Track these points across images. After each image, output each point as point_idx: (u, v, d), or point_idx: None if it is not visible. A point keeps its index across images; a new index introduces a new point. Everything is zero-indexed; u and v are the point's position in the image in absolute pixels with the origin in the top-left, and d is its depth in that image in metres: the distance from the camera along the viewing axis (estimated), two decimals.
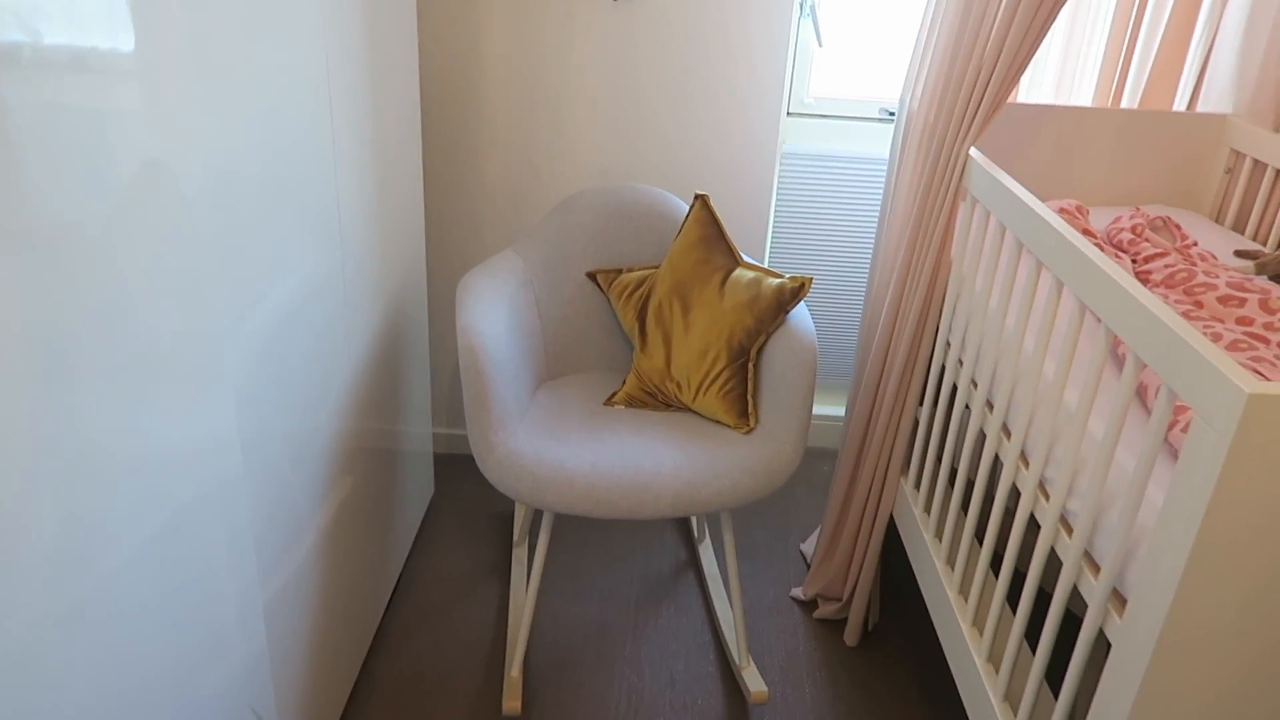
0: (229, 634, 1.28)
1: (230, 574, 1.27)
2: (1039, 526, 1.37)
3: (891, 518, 2.07)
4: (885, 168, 2.56)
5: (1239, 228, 2.17)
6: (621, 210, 2.16)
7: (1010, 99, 2.23)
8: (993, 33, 1.64)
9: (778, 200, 2.61)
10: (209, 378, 1.16)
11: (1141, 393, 1.36)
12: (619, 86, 2.35)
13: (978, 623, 1.60)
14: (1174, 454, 1.24)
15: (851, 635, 2.16)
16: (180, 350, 1.08)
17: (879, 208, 2.63)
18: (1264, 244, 2.08)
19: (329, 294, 1.60)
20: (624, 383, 2.09)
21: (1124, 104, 2.21)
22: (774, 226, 2.65)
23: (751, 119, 2.38)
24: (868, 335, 2.09)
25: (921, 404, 1.94)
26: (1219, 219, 2.23)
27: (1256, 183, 2.12)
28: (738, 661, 2.03)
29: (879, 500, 2.04)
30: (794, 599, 2.30)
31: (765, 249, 2.58)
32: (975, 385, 1.66)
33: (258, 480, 1.35)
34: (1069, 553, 1.27)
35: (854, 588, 2.15)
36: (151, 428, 1.04)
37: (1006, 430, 1.53)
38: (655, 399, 2.05)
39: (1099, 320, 1.21)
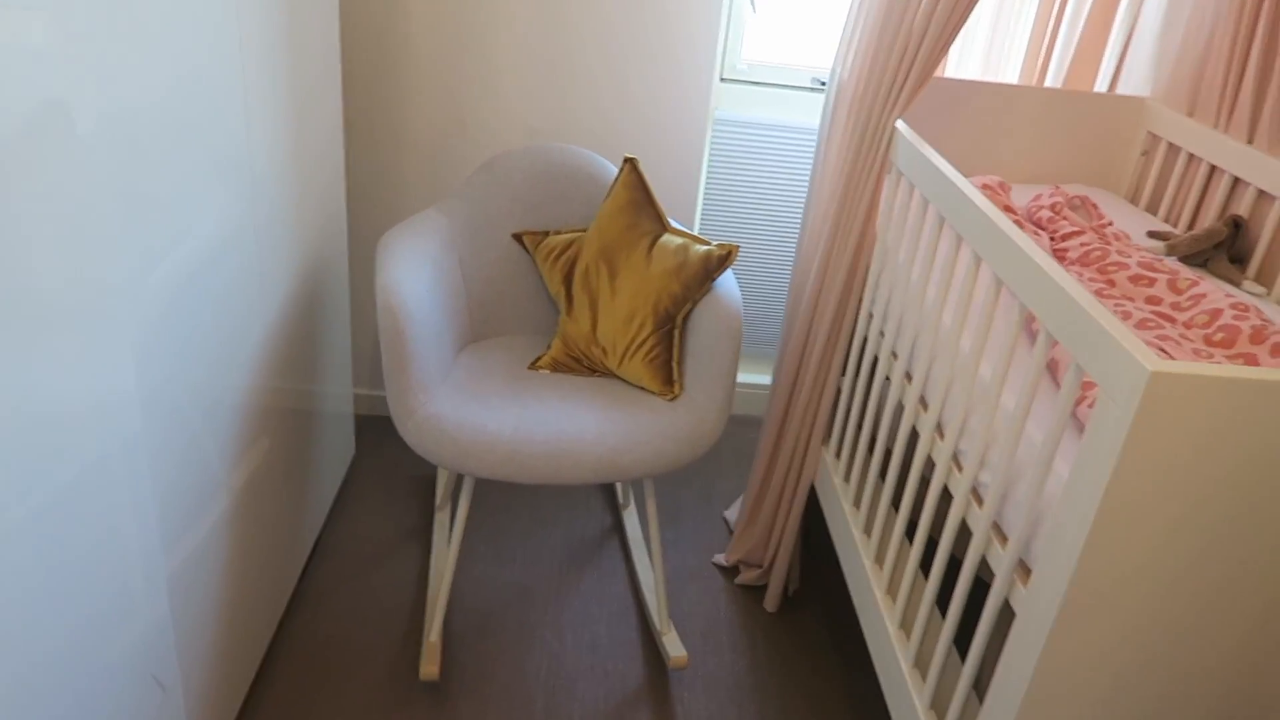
0: (131, 601, 1.24)
1: (131, 539, 1.23)
2: (953, 497, 1.40)
3: (813, 486, 2.10)
4: (814, 136, 2.57)
5: (1153, 209, 2.23)
6: (549, 171, 2.12)
7: (939, 73, 2.25)
8: (921, 4, 1.64)
9: (709, 167, 2.60)
10: (104, 330, 1.11)
11: (1053, 368, 1.39)
12: (551, 42, 2.30)
13: (891, 590, 1.64)
14: (1081, 429, 1.28)
15: (771, 601, 2.20)
16: (71, 300, 1.03)
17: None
18: (1175, 226, 2.14)
19: (240, 244, 1.54)
20: (549, 347, 2.07)
21: (1048, 83, 2.24)
22: (705, 193, 2.64)
23: (684, 83, 2.36)
24: (794, 304, 2.10)
25: (844, 374, 1.96)
26: (1134, 200, 2.28)
27: (1171, 166, 2.18)
28: (658, 627, 2.04)
29: (800, 468, 2.06)
30: (716, 565, 2.32)
31: (695, 215, 2.57)
32: (895, 357, 1.68)
33: (161, 441, 1.30)
34: (979, 523, 1.30)
35: (775, 554, 2.18)
36: (40, 383, 0.99)
37: (924, 402, 1.56)
38: (580, 364, 2.03)
39: (1014, 296, 1.23)
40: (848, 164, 1.84)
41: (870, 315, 1.83)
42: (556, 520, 2.41)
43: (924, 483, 1.85)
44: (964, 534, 1.82)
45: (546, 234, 2.12)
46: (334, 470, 2.30)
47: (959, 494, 1.36)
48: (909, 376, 1.63)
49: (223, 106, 1.42)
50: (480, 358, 2.03)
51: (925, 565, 1.98)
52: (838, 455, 1.99)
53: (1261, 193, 1.90)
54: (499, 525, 2.37)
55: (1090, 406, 1.24)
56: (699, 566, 2.31)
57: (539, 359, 2.05)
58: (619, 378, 2.02)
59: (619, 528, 2.40)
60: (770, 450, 2.15)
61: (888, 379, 1.74)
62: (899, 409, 1.70)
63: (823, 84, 2.58)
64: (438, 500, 2.38)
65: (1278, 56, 1.85)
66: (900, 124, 1.71)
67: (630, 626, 2.10)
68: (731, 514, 2.46)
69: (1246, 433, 0.95)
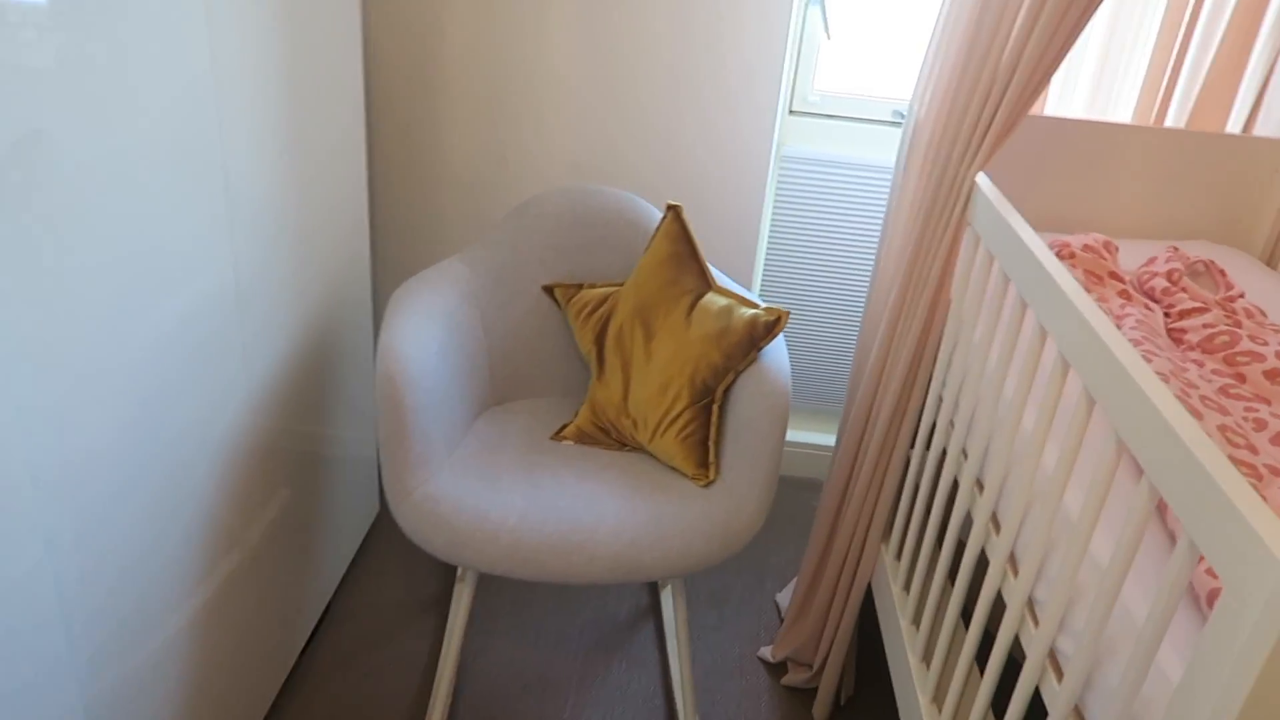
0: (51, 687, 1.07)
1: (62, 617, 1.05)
2: (1024, 648, 1.12)
3: (871, 584, 1.83)
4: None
5: None
6: (586, 217, 1.91)
7: (1037, 110, 1.95)
8: (1011, 38, 1.37)
9: (775, 207, 2.35)
10: (86, 378, 0.94)
11: (1162, 510, 1.10)
12: (598, 73, 2.09)
13: None
14: (1198, 604, 0.99)
15: (821, 708, 1.93)
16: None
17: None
18: None
19: (242, 291, 1.37)
20: (576, 414, 1.85)
21: (1169, 123, 1.92)
22: (770, 235, 2.39)
23: (746, 117, 2.11)
24: (856, 374, 1.84)
25: (909, 465, 1.68)
26: (1271, 261, 1.94)
27: None
28: None
29: (856, 565, 1.79)
30: (761, 660, 2.06)
31: (757, 263, 2.32)
32: (965, 456, 1.41)
33: (151, 495, 1.13)
34: (1055, 702, 1.02)
35: (826, 656, 1.91)
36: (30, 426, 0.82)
37: (995, 522, 1.28)
38: (609, 436, 1.81)
39: (1109, 423, 0.95)
40: (920, 219, 1.57)
41: (940, 399, 1.56)
42: (587, 596, 2.19)
43: (994, 613, 1.56)
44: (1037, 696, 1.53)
45: (580, 287, 1.90)
46: (354, 527, 2.13)
47: (1033, 655, 1.09)
48: (980, 485, 1.35)
49: (190, 158, 1.25)
50: (499, 424, 1.83)
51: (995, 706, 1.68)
52: (898, 557, 1.71)
53: None
54: (522, 596, 2.16)
55: (1211, 574, 0.95)
56: (743, 659, 2.05)
57: (564, 428, 1.83)
58: (650, 454, 1.78)
59: (655, 609, 2.16)
60: (823, 542, 1.88)
61: (956, 481, 1.46)
62: (967, 520, 1.42)
63: (903, 116, 2.30)
64: (459, 570, 2.19)
65: None
66: (981, 178, 1.44)
67: None
68: (783, 598, 2.20)
69: None
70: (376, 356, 1.56)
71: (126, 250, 1.13)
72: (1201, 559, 0.98)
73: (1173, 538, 1.08)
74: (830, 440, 2.62)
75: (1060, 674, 1.05)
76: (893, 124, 2.30)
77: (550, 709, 1.89)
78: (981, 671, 1.47)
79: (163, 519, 1.26)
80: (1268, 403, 1.34)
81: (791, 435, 2.65)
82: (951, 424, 1.48)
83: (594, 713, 1.89)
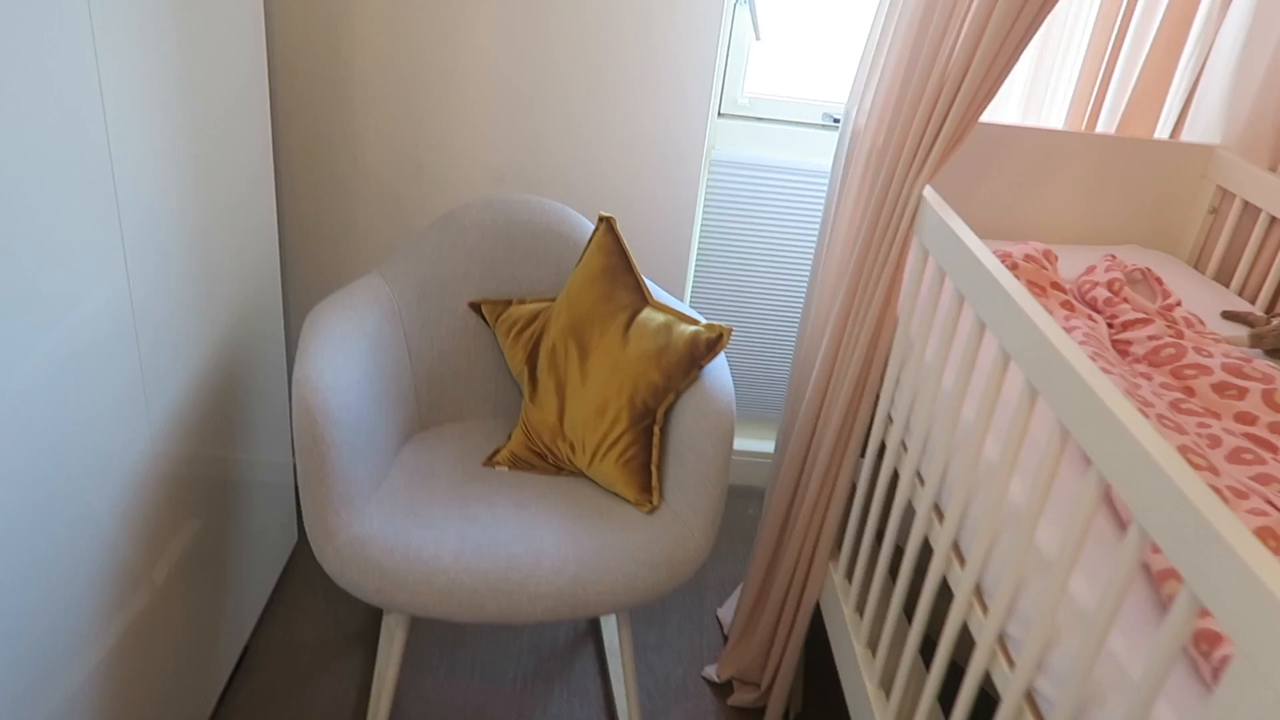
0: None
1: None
2: (994, 680, 1.08)
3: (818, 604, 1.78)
4: (826, 178, 2.25)
5: (1223, 278, 1.90)
6: (513, 229, 1.81)
7: None
8: (959, 44, 1.33)
9: (705, 212, 2.29)
10: None
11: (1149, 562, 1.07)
12: (521, 74, 1.99)
13: None
14: (1196, 668, 0.95)
15: None
16: None
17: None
18: (1252, 300, 1.81)
19: (107, 321, 1.23)
20: (509, 437, 1.76)
21: (1100, 129, 1.92)
22: (699, 241, 2.32)
23: (675, 119, 2.04)
24: (796, 389, 1.79)
25: (855, 486, 1.64)
26: (1199, 265, 1.96)
27: (1246, 228, 1.85)
28: None
29: (804, 583, 1.74)
30: (706, 679, 2.00)
31: (688, 269, 2.25)
32: (922, 481, 1.36)
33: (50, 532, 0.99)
34: None
35: (775, 674, 1.87)
36: None
37: (958, 551, 1.24)
38: (545, 460, 1.72)
39: (1086, 456, 0.91)
40: (863, 231, 1.52)
41: (889, 418, 1.51)
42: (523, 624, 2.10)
43: (960, 642, 1.53)
44: None
45: (509, 303, 1.81)
46: (271, 559, 1.99)
47: (1009, 698, 1.04)
48: (939, 512, 1.31)
49: (109, 162, 1.11)
50: (427, 451, 1.72)
51: None
52: (848, 577, 1.67)
53: None
54: (453, 628, 2.05)
55: (1215, 659, 0.92)
56: (686, 679, 1.99)
57: (496, 452, 1.74)
58: (589, 478, 1.70)
59: (595, 633, 2.08)
60: (768, 558, 1.83)
61: (911, 505, 1.42)
62: (926, 547, 1.37)
63: (836, 121, 2.26)
64: None
65: None
66: (929, 192, 1.39)
67: None
68: (726, 613, 2.14)
69: None
70: (292, 388, 1.44)
71: (6, 275, 0.99)
72: (1200, 639, 0.94)
73: (1147, 571, 1.05)
74: (768, 447, 2.58)
75: (1039, 716, 1.01)
76: (824, 127, 2.26)
77: None
78: (947, 705, 1.44)
79: (61, 562, 1.13)
80: (1218, 417, 1.33)
81: None
82: (904, 446, 1.43)
83: None
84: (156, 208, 1.33)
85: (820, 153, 2.28)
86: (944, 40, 1.36)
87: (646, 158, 2.08)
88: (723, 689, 1.99)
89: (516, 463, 1.72)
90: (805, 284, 2.38)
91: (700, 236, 2.32)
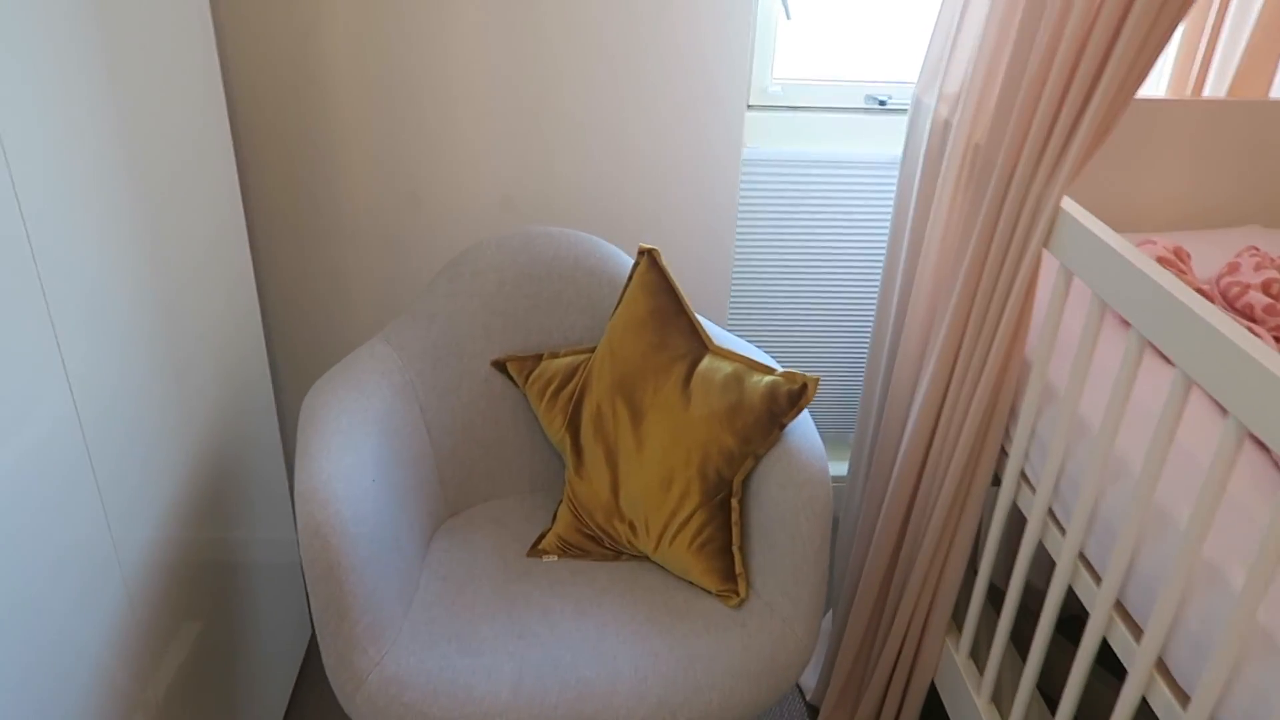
0: None
1: None
2: None
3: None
4: (875, 170, 1.98)
5: None
6: (535, 269, 1.53)
7: None
8: (1099, 19, 1.05)
9: (740, 217, 2.01)
10: None
11: None
12: (524, 82, 1.70)
13: None
14: None
15: None
16: None
17: (882, 223, 2.04)
18: None
19: (54, 443, 0.95)
20: (554, 518, 1.49)
21: (1208, 93, 1.65)
22: (736, 248, 2.04)
23: (706, 118, 1.76)
24: (887, 424, 1.52)
25: (977, 555, 1.38)
26: None
27: None
28: None
29: (912, 667, 1.48)
30: None
31: (728, 285, 1.97)
32: (1087, 565, 1.10)
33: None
34: None
35: None
36: None
37: (1164, 668, 0.98)
38: (600, 545, 1.45)
39: None
40: (973, 250, 1.25)
41: (1026, 483, 1.25)
42: None
43: None
44: None
45: (540, 358, 1.53)
46: (286, 659, 1.72)
47: None
48: (1122, 610, 1.04)
49: (28, 250, 0.83)
50: (460, 546, 1.45)
51: None
52: (974, 661, 1.41)
53: None
54: None
55: None
56: None
57: (541, 539, 1.46)
58: (655, 562, 1.44)
59: None
60: (864, 628, 1.57)
61: (1071, 590, 1.15)
62: (1101, 645, 1.11)
63: (882, 103, 1.98)
64: None
65: None
66: (1069, 203, 1.12)
67: None
68: (807, 677, 1.89)
69: None
70: (296, 500, 1.16)
71: None
72: None
73: None
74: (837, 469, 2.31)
75: None
76: (867, 111, 1.98)
77: None
78: None
79: (40, 695, 0.86)
80: None
81: None
82: (1052, 518, 1.17)
83: None
84: (98, 293, 1.04)
85: (865, 140, 2.00)
86: (1070, 14, 1.08)
87: (676, 166, 1.79)
88: None
89: (567, 549, 1.45)
90: (858, 284, 2.11)
91: (736, 245, 2.04)
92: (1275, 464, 1.05)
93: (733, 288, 2.08)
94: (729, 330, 2.09)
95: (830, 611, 1.77)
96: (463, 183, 1.77)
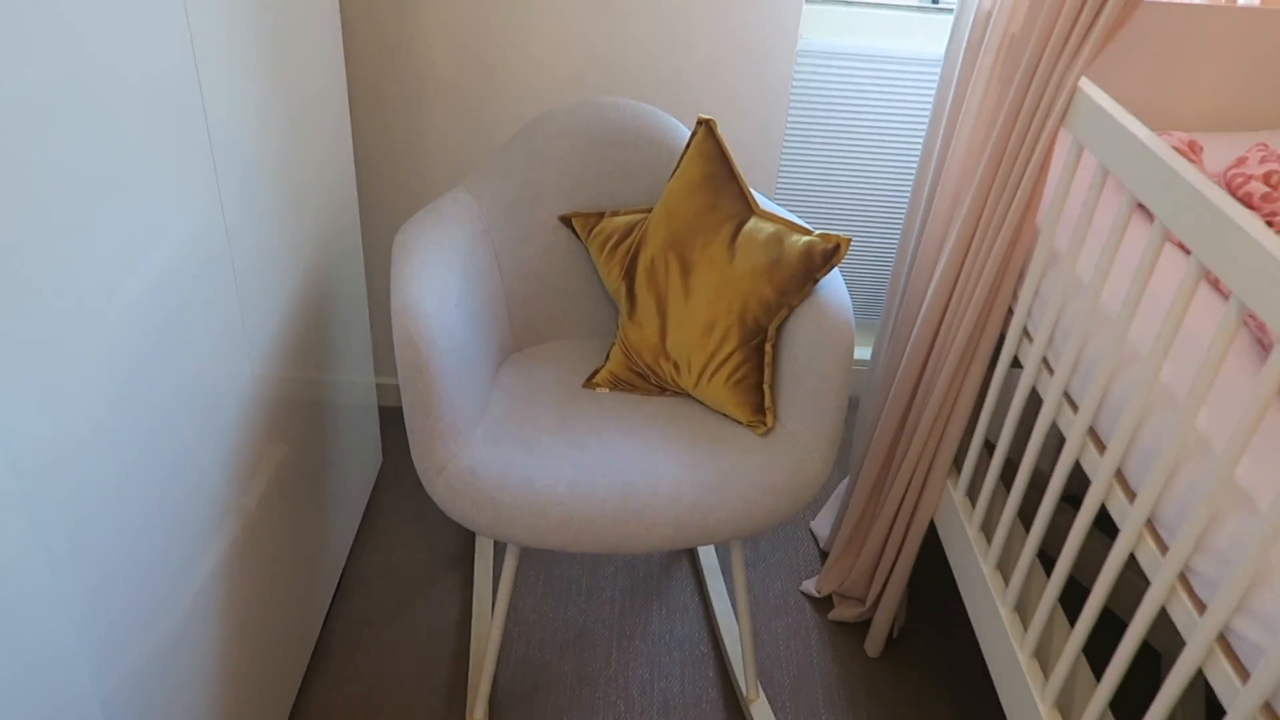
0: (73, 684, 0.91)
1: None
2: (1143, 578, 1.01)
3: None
4: (924, 66, 2.09)
5: None
6: (603, 136, 1.69)
7: None
8: None
9: (793, 105, 2.14)
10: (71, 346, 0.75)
11: None
12: None
13: (1059, 701, 1.27)
14: None
15: (874, 644, 1.85)
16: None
17: (925, 117, 2.17)
18: None
19: (202, 245, 1.16)
20: (607, 357, 1.68)
21: (1241, 1, 1.74)
22: (786, 137, 2.19)
23: (765, 6, 1.88)
24: (909, 296, 1.68)
25: (979, 404, 1.55)
26: None
27: None
28: (744, 693, 1.70)
29: (916, 503, 1.68)
30: (805, 594, 1.97)
31: (775, 166, 2.12)
32: (1073, 406, 1.27)
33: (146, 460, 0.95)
34: (1237, 702, 0.91)
35: (881, 592, 1.82)
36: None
37: (1123, 480, 1.15)
38: (647, 381, 1.64)
39: None
40: (998, 131, 1.39)
41: (1026, 335, 1.41)
42: None
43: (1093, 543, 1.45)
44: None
45: (602, 215, 1.71)
46: (360, 482, 1.97)
47: (1200, 640, 0.97)
48: (1096, 438, 1.22)
49: (168, 89, 1.02)
50: (525, 375, 1.65)
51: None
52: (969, 496, 1.59)
53: None
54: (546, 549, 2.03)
55: None
56: (785, 595, 1.96)
57: (595, 374, 1.66)
58: (695, 399, 1.63)
59: (690, 550, 2.05)
60: (874, 478, 1.76)
61: (1057, 429, 1.33)
62: (1078, 474, 1.29)
63: (935, 1, 2.08)
64: None
65: None
66: (1086, 83, 1.25)
67: (708, 681, 1.77)
68: (821, 526, 2.09)
69: None
70: (394, 315, 1.36)
71: (108, 201, 0.92)
72: None
73: None
74: (859, 354, 2.48)
75: (1240, 667, 0.94)
76: (921, 8, 2.09)
77: (595, 665, 1.78)
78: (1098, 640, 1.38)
79: (155, 491, 1.08)
80: None
81: None
82: (1047, 364, 1.34)
83: (642, 665, 1.79)
84: (241, 126, 1.23)
85: (915, 36, 2.11)
86: None
87: (734, 50, 1.93)
88: (823, 603, 1.95)
89: (618, 384, 1.65)
90: (903, 179, 2.25)
91: (787, 133, 2.18)
92: (1257, 339, 1.21)
93: (783, 167, 2.23)
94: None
95: (847, 479, 1.96)
96: (535, 57, 1.92)
